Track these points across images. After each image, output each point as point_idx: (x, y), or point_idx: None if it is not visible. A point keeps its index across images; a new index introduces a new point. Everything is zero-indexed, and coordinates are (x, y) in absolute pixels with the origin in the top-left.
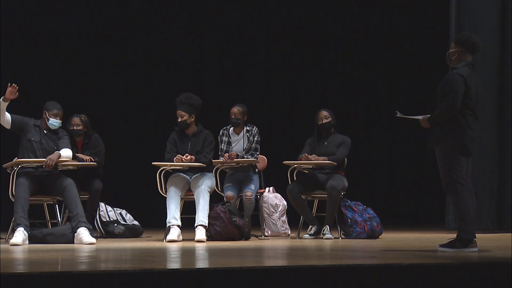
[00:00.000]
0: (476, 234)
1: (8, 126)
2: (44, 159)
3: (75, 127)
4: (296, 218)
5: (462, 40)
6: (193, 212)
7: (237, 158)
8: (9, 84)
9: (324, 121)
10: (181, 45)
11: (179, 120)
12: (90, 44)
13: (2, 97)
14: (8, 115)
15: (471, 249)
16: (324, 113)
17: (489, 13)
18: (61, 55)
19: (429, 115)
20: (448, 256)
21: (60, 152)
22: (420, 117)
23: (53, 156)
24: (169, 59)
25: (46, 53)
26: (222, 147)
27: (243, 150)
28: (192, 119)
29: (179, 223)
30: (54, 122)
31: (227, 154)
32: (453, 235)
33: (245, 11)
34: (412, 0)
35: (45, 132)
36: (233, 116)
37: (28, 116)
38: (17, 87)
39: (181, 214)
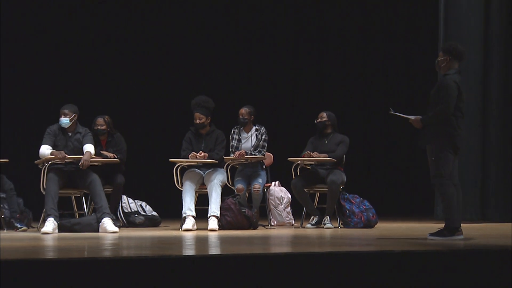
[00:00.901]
0: (462, 224)
1: None
2: (72, 156)
3: (99, 127)
4: (299, 209)
5: (450, 49)
6: (206, 204)
7: (246, 155)
8: (62, 157)
9: (319, 120)
10: (195, 52)
11: (197, 121)
12: (114, 53)
13: (52, 151)
14: (49, 149)
15: (458, 237)
16: (323, 114)
17: (474, 24)
18: (88, 62)
19: (421, 116)
20: (437, 243)
21: (90, 151)
22: (412, 117)
23: (86, 157)
24: (183, 65)
25: (72, 60)
26: (233, 144)
27: (252, 147)
28: (208, 121)
29: (194, 214)
30: (60, 122)
31: (237, 152)
32: (442, 225)
33: (253, 21)
34: (406, 12)
35: (69, 134)
36: (241, 116)
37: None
38: (65, 160)
39: (195, 206)
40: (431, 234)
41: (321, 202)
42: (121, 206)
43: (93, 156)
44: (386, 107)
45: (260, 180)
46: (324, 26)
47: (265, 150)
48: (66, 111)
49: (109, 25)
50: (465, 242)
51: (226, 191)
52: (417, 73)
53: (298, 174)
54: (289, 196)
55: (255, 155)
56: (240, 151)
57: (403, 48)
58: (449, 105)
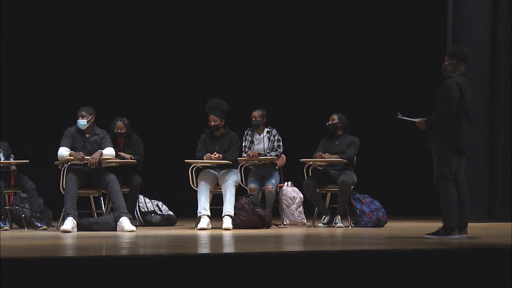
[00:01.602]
0: (470, 223)
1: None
2: (89, 157)
3: (119, 131)
4: (311, 209)
5: (455, 52)
6: (221, 203)
7: (260, 156)
8: (81, 158)
9: (330, 122)
10: (210, 56)
11: (212, 124)
12: (131, 56)
13: (70, 152)
14: (67, 151)
15: (453, 236)
16: (334, 116)
17: (481, 27)
18: (105, 65)
19: (425, 118)
20: (434, 242)
21: (102, 150)
22: (417, 120)
23: (95, 155)
24: (198, 68)
25: (89, 62)
26: (245, 144)
27: (267, 148)
28: (223, 123)
29: (209, 213)
30: (78, 124)
31: (250, 152)
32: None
33: (265, 24)
34: (415, 15)
35: (87, 136)
36: (253, 119)
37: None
38: (84, 161)
39: (210, 206)
40: (428, 234)
41: (332, 202)
42: (138, 205)
43: (105, 156)
44: (395, 109)
45: (273, 181)
46: (335, 30)
47: (281, 149)
48: (83, 113)
49: (126, 28)
50: (473, 241)
51: (240, 191)
52: (425, 75)
53: (310, 174)
54: (301, 196)
55: (270, 155)
56: (253, 151)
57: (412, 50)
58: (449, 106)
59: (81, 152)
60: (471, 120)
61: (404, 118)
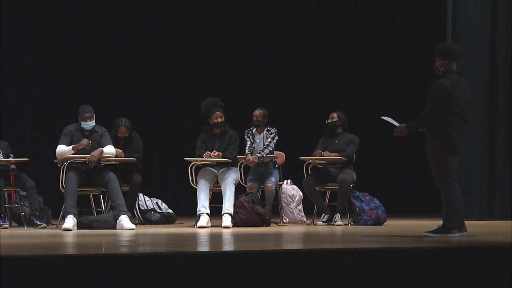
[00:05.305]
0: (469, 222)
1: None
2: (88, 155)
3: (123, 135)
4: (310, 207)
5: (444, 53)
6: (220, 201)
7: (257, 156)
8: (87, 143)
9: (329, 120)
10: (210, 54)
11: (219, 120)
12: (131, 54)
13: (73, 145)
14: (67, 148)
15: (452, 235)
16: (334, 114)
17: (481, 26)
18: (104, 63)
19: (405, 124)
20: (433, 240)
21: (102, 148)
22: (397, 124)
23: (95, 153)
24: (198, 67)
25: (89, 61)
26: (250, 144)
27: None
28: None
29: (208, 211)
30: (86, 126)
31: (249, 158)
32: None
33: (265, 23)
34: (414, 14)
35: (86, 133)
36: (255, 118)
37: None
38: (89, 145)
39: (209, 204)
40: (428, 232)
41: (331, 200)
42: (138, 203)
43: (106, 154)
44: (395, 108)
45: (273, 179)
46: (335, 29)
47: (270, 149)
48: (88, 114)
49: (126, 26)
50: (472, 239)
51: (239, 189)
52: (425, 74)
53: (310, 172)
54: (301, 194)
55: (260, 152)
56: (253, 158)
57: (412, 49)
58: (431, 109)
59: (85, 139)
60: (465, 118)
61: (388, 120)
